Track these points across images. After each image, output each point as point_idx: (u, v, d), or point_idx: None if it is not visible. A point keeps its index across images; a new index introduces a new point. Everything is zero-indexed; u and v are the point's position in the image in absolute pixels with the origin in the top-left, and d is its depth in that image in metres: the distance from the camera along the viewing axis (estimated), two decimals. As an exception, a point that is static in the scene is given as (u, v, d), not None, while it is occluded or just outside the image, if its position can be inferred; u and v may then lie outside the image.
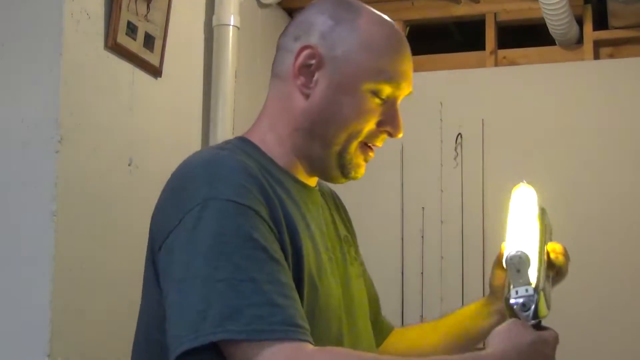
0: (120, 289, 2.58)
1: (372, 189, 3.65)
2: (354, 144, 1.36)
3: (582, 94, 3.67)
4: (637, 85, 3.61)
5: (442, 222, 3.69)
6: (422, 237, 3.69)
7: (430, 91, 3.69)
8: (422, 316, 3.65)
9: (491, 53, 3.86)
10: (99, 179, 2.52)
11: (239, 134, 3.28)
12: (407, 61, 1.38)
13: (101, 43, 2.53)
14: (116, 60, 2.61)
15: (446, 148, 3.69)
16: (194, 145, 3.10)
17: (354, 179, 1.40)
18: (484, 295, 3.44)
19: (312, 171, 1.40)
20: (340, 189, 1.52)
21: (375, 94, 1.35)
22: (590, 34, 3.74)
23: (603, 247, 3.53)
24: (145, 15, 2.71)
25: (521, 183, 1.62)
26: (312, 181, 1.43)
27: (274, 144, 1.37)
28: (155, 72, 2.80)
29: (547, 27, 3.62)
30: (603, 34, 3.74)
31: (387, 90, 1.35)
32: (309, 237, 1.31)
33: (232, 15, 3.20)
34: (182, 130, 3.02)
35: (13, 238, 2.34)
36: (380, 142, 1.39)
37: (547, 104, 3.69)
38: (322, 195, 1.48)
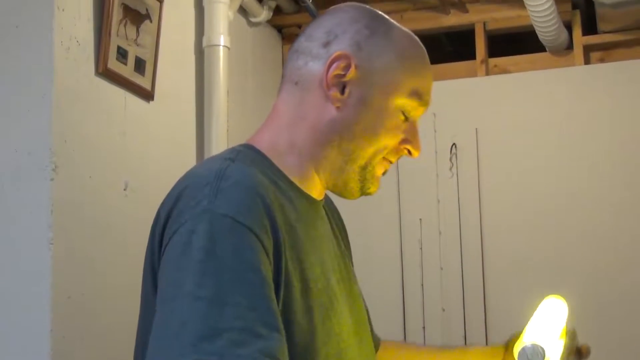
0: (120, 315, 2.57)
1: (368, 202, 3.64)
2: (378, 159, 1.32)
3: (574, 99, 3.67)
4: (628, 88, 3.61)
5: (440, 232, 3.69)
6: (421, 248, 3.68)
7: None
8: (424, 327, 3.64)
9: (482, 62, 3.87)
10: (95, 204, 2.51)
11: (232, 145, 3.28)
12: (431, 79, 1.36)
13: (92, 69, 2.54)
14: (108, 85, 2.61)
15: (441, 158, 3.69)
16: (189, 166, 3.08)
17: (369, 194, 1.34)
18: (484, 303, 3.48)
19: (329, 184, 1.33)
20: (337, 201, 1.49)
21: (403, 111, 1.31)
22: (579, 39, 3.74)
23: (598, 253, 3.52)
24: (135, 40, 2.71)
25: (552, 295, 1.53)
26: (320, 193, 1.36)
27: (286, 153, 1.31)
28: (148, 95, 2.80)
29: (536, 34, 3.63)
30: (592, 39, 3.75)
31: (414, 107, 1.32)
32: (319, 263, 1.25)
33: (222, 36, 3.20)
34: (176, 152, 3.03)
35: (10, 267, 2.33)
36: (396, 159, 1.35)
37: (540, 110, 3.69)
38: (325, 208, 1.42)
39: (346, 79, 1.28)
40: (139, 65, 2.74)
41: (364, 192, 1.34)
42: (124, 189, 2.66)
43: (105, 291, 2.52)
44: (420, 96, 1.31)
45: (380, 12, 1.34)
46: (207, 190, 1.14)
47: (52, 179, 2.33)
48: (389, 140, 1.30)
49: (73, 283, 2.37)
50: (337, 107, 1.28)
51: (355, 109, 1.28)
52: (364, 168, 1.31)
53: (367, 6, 1.35)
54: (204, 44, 3.21)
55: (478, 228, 3.65)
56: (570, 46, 3.77)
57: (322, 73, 1.29)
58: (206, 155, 3.13)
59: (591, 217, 3.56)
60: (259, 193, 1.16)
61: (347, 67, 1.27)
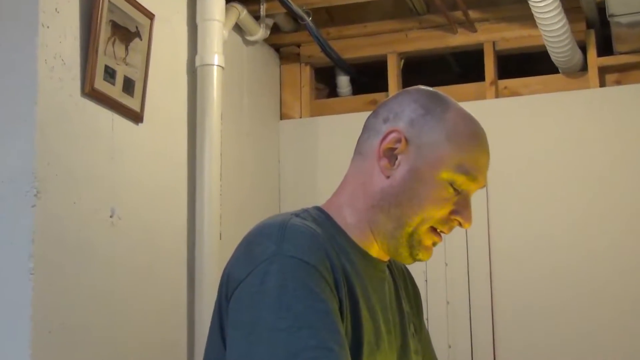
0: (103, 350, 2.56)
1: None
2: (425, 227, 1.49)
3: (588, 123, 3.66)
4: (646, 113, 3.61)
5: (446, 264, 3.68)
6: (426, 280, 3.67)
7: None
8: (429, 366, 3.61)
9: (491, 84, 3.87)
10: (79, 233, 2.51)
11: (226, 178, 3.30)
12: (486, 157, 1.53)
13: (78, 89, 2.54)
14: (94, 106, 2.61)
15: (448, 186, 3.68)
16: (180, 192, 3.10)
17: (420, 260, 1.52)
18: (493, 339, 3.46)
19: (383, 247, 1.53)
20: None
21: (452, 184, 1.48)
22: (594, 60, 3.75)
23: (614, 284, 3.51)
24: (124, 59, 2.72)
25: None
26: (380, 254, 1.56)
27: (349, 216, 1.53)
28: (136, 117, 2.81)
29: (549, 55, 3.64)
30: (608, 60, 3.75)
31: (463, 182, 1.49)
32: (368, 308, 1.46)
33: (216, 55, 3.21)
34: (167, 178, 3.03)
35: (-11, 299, 2.32)
36: (448, 230, 1.52)
37: (552, 135, 3.69)
38: (392, 270, 1.64)
39: (397, 152, 1.49)
40: (128, 86, 2.74)
41: (414, 258, 1.52)
42: (110, 217, 2.65)
43: (89, 326, 2.51)
44: (467, 172, 1.48)
45: (442, 94, 1.55)
46: (274, 238, 1.38)
47: (33, 206, 2.32)
48: (435, 211, 1.49)
49: (54, 317, 2.36)
50: (387, 177, 1.50)
51: (403, 179, 1.49)
52: (411, 235, 1.49)
53: (432, 89, 1.56)
54: (197, 63, 3.22)
55: (487, 260, 3.65)
56: (584, 67, 3.77)
57: (378, 145, 1.51)
58: (198, 181, 3.14)
59: (605, 247, 3.54)
60: (318, 240, 1.41)
61: (398, 141, 1.49)
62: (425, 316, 3.58)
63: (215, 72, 3.22)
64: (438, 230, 1.51)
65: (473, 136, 1.52)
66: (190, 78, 3.23)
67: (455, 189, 1.49)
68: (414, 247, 1.50)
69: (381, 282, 1.56)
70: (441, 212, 1.49)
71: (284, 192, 3.99)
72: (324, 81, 4.35)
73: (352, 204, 1.53)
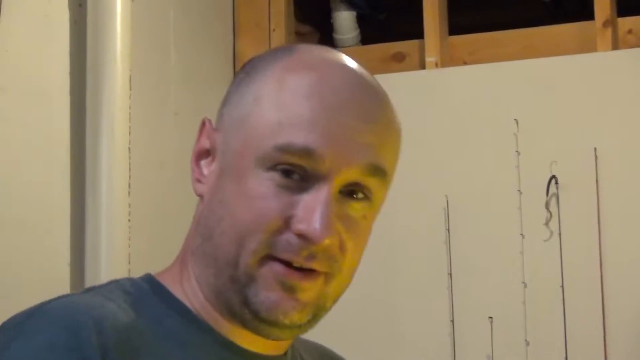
0: None
1: (401, 290, 3.66)
2: (253, 259, 1.44)
3: None
4: None
5: (527, 342, 3.69)
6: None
7: (495, 99, 3.73)
8: None
9: (605, 24, 3.87)
10: None
11: (136, 179, 3.26)
12: (341, 110, 1.45)
13: None
14: None
15: (529, 204, 3.69)
16: (59, 210, 3.12)
17: (273, 323, 1.45)
18: None
19: (219, 309, 1.50)
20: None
21: (276, 168, 1.43)
22: None
23: None
24: (-41, -21, 2.74)
25: None
26: (269, 344, 1.52)
27: (186, 280, 1.54)
28: (-17, 81, 2.83)
29: None
30: None
31: (295, 157, 1.42)
32: None
33: (121, -25, 3.24)
34: (35, 183, 3.04)
35: None
36: (300, 256, 1.43)
37: None
38: None
39: (211, 154, 1.54)
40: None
41: (261, 319, 1.45)
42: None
43: None
44: (295, 138, 1.42)
45: (292, 46, 1.61)
46: (7, 332, 1.35)
47: None
48: (258, 224, 1.43)
49: None
50: (201, 195, 1.54)
51: (212, 192, 1.51)
52: (232, 277, 1.46)
53: (279, 47, 1.64)
54: (87, -8, 3.24)
55: (600, 330, 3.67)
56: None
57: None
58: (89, 190, 3.15)
59: None
60: (84, 325, 1.34)
61: (210, 135, 1.54)
62: None
63: (120, 5, 3.24)
64: (281, 258, 1.43)
65: (304, 82, 1.46)
66: (75, 16, 3.24)
67: (288, 177, 1.42)
68: (247, 298, 1.44)
69: None
70: (271, 224, 1.42)
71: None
72: (312, 21, 4.39)
73: (184, 260, 1.56)
